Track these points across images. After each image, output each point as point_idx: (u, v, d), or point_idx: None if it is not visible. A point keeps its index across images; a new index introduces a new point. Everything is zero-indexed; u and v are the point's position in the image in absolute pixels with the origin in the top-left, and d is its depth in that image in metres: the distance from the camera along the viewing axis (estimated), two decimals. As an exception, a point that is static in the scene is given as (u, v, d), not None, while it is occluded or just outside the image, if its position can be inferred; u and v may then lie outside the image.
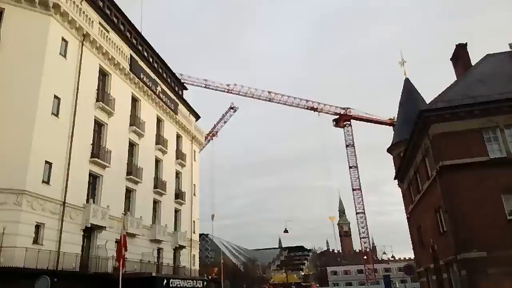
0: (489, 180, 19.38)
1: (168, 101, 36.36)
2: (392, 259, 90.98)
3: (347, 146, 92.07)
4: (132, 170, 28.80)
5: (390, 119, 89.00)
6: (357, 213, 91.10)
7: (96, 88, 26.20)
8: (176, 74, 74.26)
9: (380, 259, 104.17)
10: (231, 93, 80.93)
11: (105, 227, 24.04)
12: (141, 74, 31.84)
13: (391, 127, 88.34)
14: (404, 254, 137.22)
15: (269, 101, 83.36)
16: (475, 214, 19.00)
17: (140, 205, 29.46)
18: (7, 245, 17.73)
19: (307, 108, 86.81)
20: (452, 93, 22.03)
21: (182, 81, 76.16)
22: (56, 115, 22.03)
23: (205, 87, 78.80)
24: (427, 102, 24.84)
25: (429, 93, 25.82)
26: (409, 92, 35.34)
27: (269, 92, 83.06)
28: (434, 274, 25.85)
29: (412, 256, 37.17)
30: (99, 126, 26.26)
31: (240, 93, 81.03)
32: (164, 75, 37.92)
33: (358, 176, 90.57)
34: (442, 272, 23.82)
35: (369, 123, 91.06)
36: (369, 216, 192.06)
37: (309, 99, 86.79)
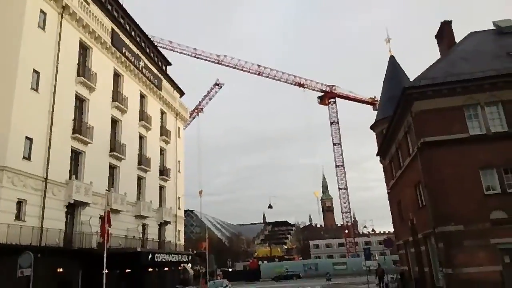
0: (468, 156, 19.89)
1: (152, 76, 35.72)
2: (373, 232, 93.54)
3: (331, 123, 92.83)
4: (116, 147, 28.50)
5: (371, 98, 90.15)
6: (339, 189, 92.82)
7: (77, 62, 25.50)
8: (165, 42, 73.38)
9: (361, 233, 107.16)
10: (221, 64, 79.97)
11: (88, 203, 23.93)
12: (123, 48, 31.05)
13: (372, 106, 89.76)
14: (384, 228, 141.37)
15: (258, 74, 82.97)
16: (454, 189, 19.58)
17: (124, 181, 29.33)
18: (-11, 221, 17.55)
19: (294, 84, 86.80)
20: (435, 70, 22.25)
21: (171, 49, 74.85)
22: (36, 89, 21.45)
23: (194, 56, 77.58)
24: (412, 79, 25.05)
25: (414, 72, 26.05)
26: (394, 69, 35.52)
27: (258, 66, 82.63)
28: (413, 247, 26.77)
29: (392, 230, 38.32)
30: (80, 102, 25.71)
31: (230, 65, 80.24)
32: (147, 50, 37.08)
33: (342, 153, 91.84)
34: (420, 245, 24.68)
35: (350, 102, 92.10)
36: (351, 192, 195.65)
37: (296, 75, 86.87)
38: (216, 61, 79.57)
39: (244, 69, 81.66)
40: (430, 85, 21.06)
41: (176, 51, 76.39)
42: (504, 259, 18.47)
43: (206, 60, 78.86)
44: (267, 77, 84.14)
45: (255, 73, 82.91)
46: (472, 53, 22.69)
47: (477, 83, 20.53)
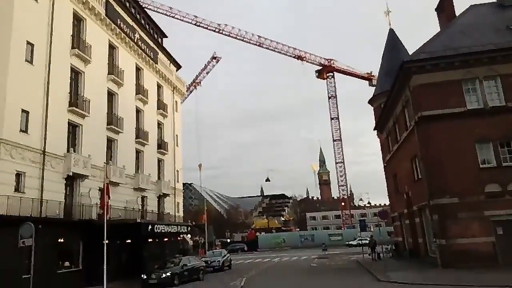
0: (465, 130, 20.05)
1: (147, 49, 35.21)
2: (368, 205, 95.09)
3: (329, 97, 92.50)
4: (113, 120, 28.42)
5: (368, 73, 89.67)
6: (336, 163, 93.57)
7: (71, 34, 25.05)
8: (165, 8, 71.66)
9: (356, 206, 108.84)
10: (221, 33, 78.74)
11: (87, 175, 24.10)
12: (118, 20, 30.45)
13: (368, 81, 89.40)
14: (379, 201, 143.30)
15: (258, 45, 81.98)
16: (450, 163, 19.83)
17: (123, 154, 29.43)
18: (-11, 193, 17.71)
19: (294, 57, 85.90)
20: (434, 44, 22.06)
21: (171, 15, 73.29)
22: (31, 62, 21.16)
23: (195, 24, 76.18)
24: (411, 53, 24.83)
25: (413, 45, 25.78)
26: (393, 43, 35.15)
27: (259, 37, 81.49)
28: (407, 219, 27.34)
29: (387, 203, 38.93)
30: (76, 74, 25.44)
31: (231, 34, 78.98)
32: (143, 21, 36.35)
33: (339, 127, 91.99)
34: (415, 217, 25.20)
35: (347, 77, 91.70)
36: (347, 166, 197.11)
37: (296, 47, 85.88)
38: (217, 30, 78.22)
39: (244, 39, 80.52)
40: (428, 59, 20.96)
41: (176, 18, 74.72)
42: (497, 230, 18.96)
43: (207, 28, 77.44)
44: (267, 48, 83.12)
45: (255, 44, 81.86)
46: (472, 26, 22.45)
47: (476, 57, 20.44)
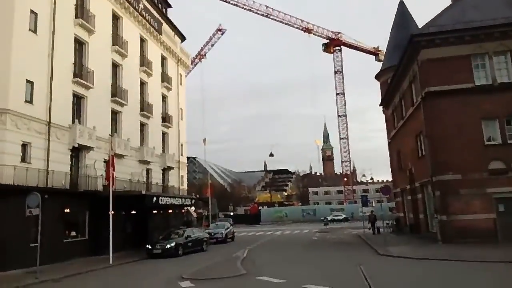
0: (471, 107, 19.86)
1: (152, 19, 34.63)
2: (371, 181, 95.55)
3: (335, 72, 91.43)
4: (117, 92, 28.30)
5: (374, 48, 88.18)
6: (340, 139, 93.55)
7: (74, 3, 24.63)
8: None
9: (359, 182, 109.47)
10: (228, 2, 77.18)
11: (92, 147, 24.24)
12: (122, -12, 29.82)
13: (374, 56, 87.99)
14: (382, 177, 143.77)
15: (265, 16, 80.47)
16: (454, 139, 19.76)
17: (127, 127, 29.47)
18: (-5, 163, 17.92)
19: (301, 29, 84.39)
20: (444, 18, 21.57)
21: None
22: (34, 31, 20.91)
23: None
24: (420, 27, 24.29)
25: (423, 19, 25.18)
26: (403, 16, 34.37)
27: (267, 7, 79.94)
28: (409, 195, 27.51)
29: (390, 179, 39.09)
30: (80, 45, 25.17)
31: (238, 4, 77.45)
32: (147, -10, 35.56)
33: (344, 103, 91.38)
34: (417, 193, 25.34)
35: (353, 52, 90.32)
36: (351, 142, 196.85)
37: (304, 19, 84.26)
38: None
39: (252, 9, 78.98)
40: (438, 33, 20.54)
41: None
42: (499, 207, 19.10)
43: None
44: (275, 19, 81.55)
45: (262, 15, 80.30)
46: (483, 0, 21.83)
47: (487, 32, 20.01)
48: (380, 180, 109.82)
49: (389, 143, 34.82)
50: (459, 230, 18.91)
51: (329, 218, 56.25)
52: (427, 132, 20.83)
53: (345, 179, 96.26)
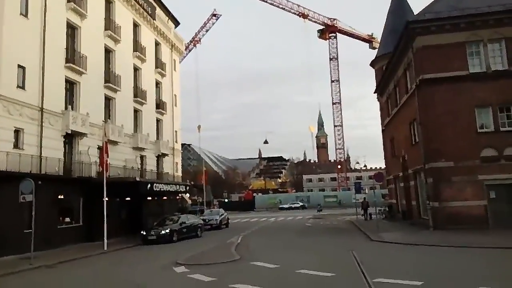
0: (465, 94, 19.94)
1: (145, 4, 34.11)
2: (364, 168, 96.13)
3: (331, 59, 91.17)
4: (110, 78, 28.01)
5: (369, 35, 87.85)
6: (335, 126, 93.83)
7: (66, -14, 24.17)
8: None
9: (353, 169, 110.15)
10: None
11: (86, 133, 24.09)
12: (114, -29, 29.28)
13: (368, 44, 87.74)
14: (376, 164, 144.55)
15: (263, 0, 79.53)
16: (448, 127, 19.88)
17: (121, 113, 29.27)
18: (-13, 149, 17.77)
19: (298, 14, 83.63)
20: (440, 4, 21.46)
21: None
22: (25, 15, 20.53)
23: None
24: (416, 13, 24.16)
25: (420, 5, 24.98)
26: (398, 2, 34.15)
27: None
28: (402, 182, 27.76)
29: (383, 167, 39.35)
30: (72, 30, 24.78)
31: None
32: (140, -26, 34.93)
33: (339, 90, 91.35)
34: (410, 180, 25.57)
35: (348, 39, 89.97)
36: (345, 129, 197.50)
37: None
38: None
39: None
40: (434, 20, 20.47)
41: None
42: (490, 194, 19.34)
43: None
44: (272, 3, 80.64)
45: None
46: (481, -14, 21.70)
47: (482, 19, 19.97)
48: (373, 168, 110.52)
49: (383, 130, 34.96)
50: (450, 216, 19.16)
51: (286, 206, 61.09)
52: (420, 120, 20.92)
53: (339, 166, 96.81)
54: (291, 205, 63.49)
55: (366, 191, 46.17)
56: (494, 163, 19.36)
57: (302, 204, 64.22)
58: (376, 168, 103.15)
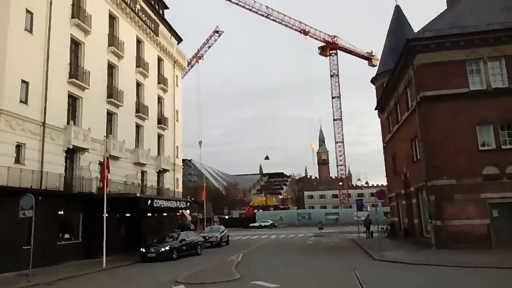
0: (466, 112, 19.95)
1: (148, 20, 34.57)
2: (366, 185, 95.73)
3: (331, 76, 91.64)
4: (113, 93, 28.18)
5: (368, 53, 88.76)
6: (336, 143, 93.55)
7: (71, 3, 24.53)
8: None
9: (354, 186, 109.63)
10: (230, 1, 77.09)
11: (87, 149, 24.09)
12: (119, -11, 29.77)
13: (367, 61, 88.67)
14: (377, 181, 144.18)
15: (265, 17, 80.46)
16: (449, 144, 19.82)
17: (122, 128, 29.34)
18: (-11, 164, 17.74)
19: (300, 31, 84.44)
20: (440, 22, 21.69)
21: None
22: (30, 31, 20.80)
23: None
24: (416, 31, 24.42)
25: (420, 22, 25.33)
26: (399, 20, 34.56)
27: (267, 7, 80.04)
28: (404, 199, 27.55)
29: (385, 183, 39.14)
30: (75, 45, 25.05)
31: (239, 3, 77.38)
32: (144, -9, 35.52)
33: (340, 107, 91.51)
34: (412, 198, 25.38)
35: (347, 56, 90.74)
36: (346, 146, 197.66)
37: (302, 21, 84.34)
38: None
39: (253, 9, 78.96)
40: (433, 37, 20.65)
41: None
42: (493, 213, 19.15)
43: None
44: (274, 20, 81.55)
45: (262, 15, 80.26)
46: (480, 5, 22.01)
47: (482, 37, 20.14)
48: (375, 185, 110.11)
49: (384, 147, 34.91)
50: (453, 235, 18.95)
51: (256, 224, 62.34)
52: (422, 137, 20.90)
53: (340, 183, 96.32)
54: (261, 223, 64.63)
55: (368, 209, 45.82)
56: (496, 181, 19.24)
57: (271, 222, 65.33)
58: (377, 185, 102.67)
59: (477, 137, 19.83)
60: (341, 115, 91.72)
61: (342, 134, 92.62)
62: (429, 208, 20.70)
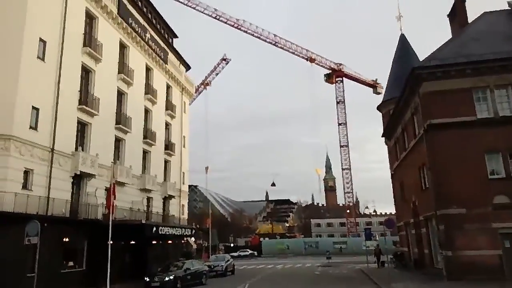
0: (474, 140, 19.77)
1: (158, 49, 35.38)
2: (374, 213, 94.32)
3: (337, 102, 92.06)
4: (121, 119, 28.54)
5: (373, 80, 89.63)
6: (343, 169, 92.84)
7: (83, 32, 25.25)
8: (187, 1, 70.92)
9: (362, 214, 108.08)
10: (239, 29, 78.16)
11: (94, 174, 24.18)
12: (130, 19, 30.66)
13: (372, 88, 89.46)
14: (385, 209, 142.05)
15: (273, 44, 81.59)
16: (458, 172, 19.55)
17: (130, 154, 29.51)
18: (-4, 189, 17.81)
19: (306, 59, 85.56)
20: (446, 51, 21.86)
21: (192, 6, 72.63)
22: (42, 59, 21.34)
23: (214, 17, 75.39)
24: (421, 59, 24.62)
25: (425, 51, 25.67)
26: (404, 48, 34.93)
27: (275, 35, 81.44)
28: (413, 228, 26.99)
29: (394, 212, 38.53)
30: (86, 73, 25.61)
31: (248, 31, 78.51)
32: (154, 21, 36.55)
33: (347, 133, 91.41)
34: (421, 227, 24.85)
35: (352, 83, 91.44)
36: (353, 173, 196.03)
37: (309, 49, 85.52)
38: (235, 25, 77.67)
39: (261, 37, 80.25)
40: (439, 66, 20.76)
41: (197, 10, 73.91)
42: (504, 243, 18.63)
43: (225, 23, 76.74)
44: (282, 48, 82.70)
45: (270, 43, 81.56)
46: (485, 33, 22.22)
47: (487, 65, 20.20)
48: (383, 213, 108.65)
49: (392, 174, 34.57)
50: (464, 266, 18.40)
51: (235, 254, 59.02)
52: (430, 165, 20.67)
53: (348, 211, 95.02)
54: (240, 253, 63.57)
55: (377, 238, 45.01)
56: (507, 210, 18.82)
57: (251, 252, 64.84)
58: (386, 213, 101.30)
59: (486, 166, 19.56)
60: (347, 142, 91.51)
61: (349, 161, 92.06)
62: (439, 238, 20.23)
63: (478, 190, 19.20)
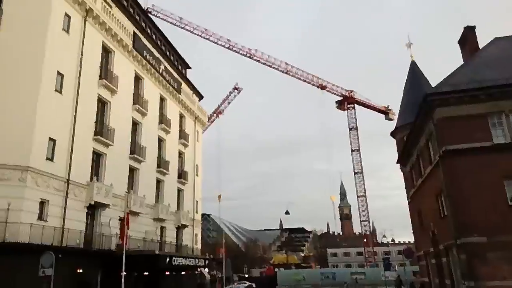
0: (491, 166, 19.33)
1: (171, 80, 36.16)
2: (392, 242, 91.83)
3: (350, 129, 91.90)
4: (136, 149, 28.89)
5: (385, 107, 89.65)
6: (358, 197, 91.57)
7: (99, 65, 26.05)
8: (200, 29, 73.14)
9: (380, 242, 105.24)
10: (251, 58, 79.74)
11: (108, 205, 24.28)
12: (144, 51, 31.57)
13: (384, 115, 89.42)
14: (403, 238, 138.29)
15: (285, 73, 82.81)
16: (476, 199, 19.03)
17: (144, 184, 29.67)
18: (12, 220, 17.97)
19: (317, 86, 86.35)
20: (458, 77, 21.77)
21: (206, 37, 74.72)
22: (60, 91, 21.97)
23: (228, 47, 77.12)
24: (433, 86, 24.57)
25: (435, 77, 25.65)
26: (415, 75, 34.95)
27: (286, 64, 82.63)
28: (434, 258, 26.09)
29: (412, 240, 37.51)
30: (102, 104, 26.21)
31: (260, 60, 79.93)
32: (167, 53, 37.58)
33: (360, 160, 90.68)
34: (442, 256, 24.02)
35: (363, 109, 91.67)
36: (368, 200, 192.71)
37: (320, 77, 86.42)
38: (248, 55, 79.28)
39: (273, 65, 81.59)
40: (452, 92, 20.60)
41: (211, 40, 75.89)
42: (530, 273, 17.81)
43: (238, 52, 78.41)
44: (293, 76, 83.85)
45: (282, 71, 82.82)
46: (496, 59, 22.13)
47: (501, 90, 19.99)
48: (401, 242, 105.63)
49: (409, 202, 33.85)
50: (489, 297, 17.58)
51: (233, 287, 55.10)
52: (447, 192, 20.20)
53: (365, 240, 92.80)
54: (238, 285, 59.07)
55: (396, 268, 43.63)
56: (531, 238, 18.10)
57: (249, 284, 59.83)
58: (404, 242, 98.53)
59: (506, 192, 19.01)
60: (361, 169, 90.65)
61: (364, 188, 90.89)
62: (461, 267, 19.48)
63: (499, 217, 18.58)
